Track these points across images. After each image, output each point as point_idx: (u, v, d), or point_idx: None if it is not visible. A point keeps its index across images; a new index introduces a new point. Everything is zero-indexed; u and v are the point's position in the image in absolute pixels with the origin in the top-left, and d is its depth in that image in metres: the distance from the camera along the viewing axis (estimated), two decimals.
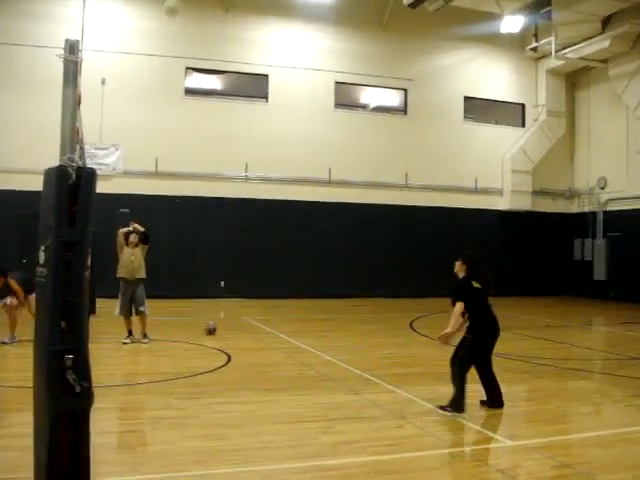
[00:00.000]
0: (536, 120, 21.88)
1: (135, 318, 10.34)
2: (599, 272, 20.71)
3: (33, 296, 9.11)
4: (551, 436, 5.58)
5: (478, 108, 21.69)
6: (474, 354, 6.30)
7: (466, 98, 21.27)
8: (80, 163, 3.52)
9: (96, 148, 16.61)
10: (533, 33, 21.09)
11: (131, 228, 10.49)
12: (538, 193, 21.72)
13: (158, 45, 17.91)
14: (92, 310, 11.80)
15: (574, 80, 22.33)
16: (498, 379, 6.48)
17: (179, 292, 16.96)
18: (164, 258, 16.43)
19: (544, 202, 21.94)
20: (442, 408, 6.23)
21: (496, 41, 21.02)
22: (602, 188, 21.21)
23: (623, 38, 18.75)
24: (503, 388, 6.52)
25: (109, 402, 6.27)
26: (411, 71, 20.39)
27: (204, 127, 18.17)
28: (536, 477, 4.62)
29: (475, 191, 21.12)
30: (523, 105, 22.13)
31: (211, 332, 11.21)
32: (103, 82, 16.89)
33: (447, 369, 6.38)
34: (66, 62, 3.50)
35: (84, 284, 3.39)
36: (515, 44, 21.46)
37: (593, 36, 19.01)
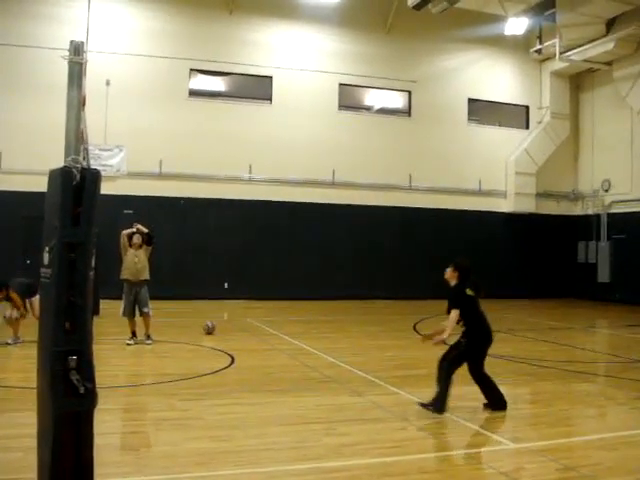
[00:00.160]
0: (540, 122, 21.85)
1: (139, 319, 10.34)
2: (603, 274, 20.65)
3: (36, 299, 9.13)
4: (554, 439, 5.57)
5: (482, 110, 21.68)
6: (466, 359, 6.31)
7: (470, 100, 21.26)
8: (84, 164, 3.53)
9: (100, 149, 16.64)
10: (537, 35, 21.08)
11: (135, 229, 10.46)
12: (542, 195, 21.69)
13: (162, 47, 17.95)
14: (96, 311, 11.81)
15: (578, 82, 22.30)
16: (501, 381, 6.46)
17: (183, 293, 16.95)
18: (168, 259, 16.47)
19: (548, 204, 21.90)
20: (424, 405, 6.27)
21: (500, 43, 20.99)
22: (606, 190, 21.17)
23: (627, 40, 18.72)
24: (506, 390, 6.50)
25: (112, 403, 6.26)
26: (415, 73, 20.38)
27: (208, 129, 18.20)
28: None
29: (479, 193, 21.09)
30: (527, 107, 22.11)
31: (210, 332, 11.22)
32: (108, 83, 16.96)
33: None
34: (71, 63, 3.52)
35: (88, 285, 3.40)
36: (519, 46, 21.44)
37: (597, 38, 19.01)
